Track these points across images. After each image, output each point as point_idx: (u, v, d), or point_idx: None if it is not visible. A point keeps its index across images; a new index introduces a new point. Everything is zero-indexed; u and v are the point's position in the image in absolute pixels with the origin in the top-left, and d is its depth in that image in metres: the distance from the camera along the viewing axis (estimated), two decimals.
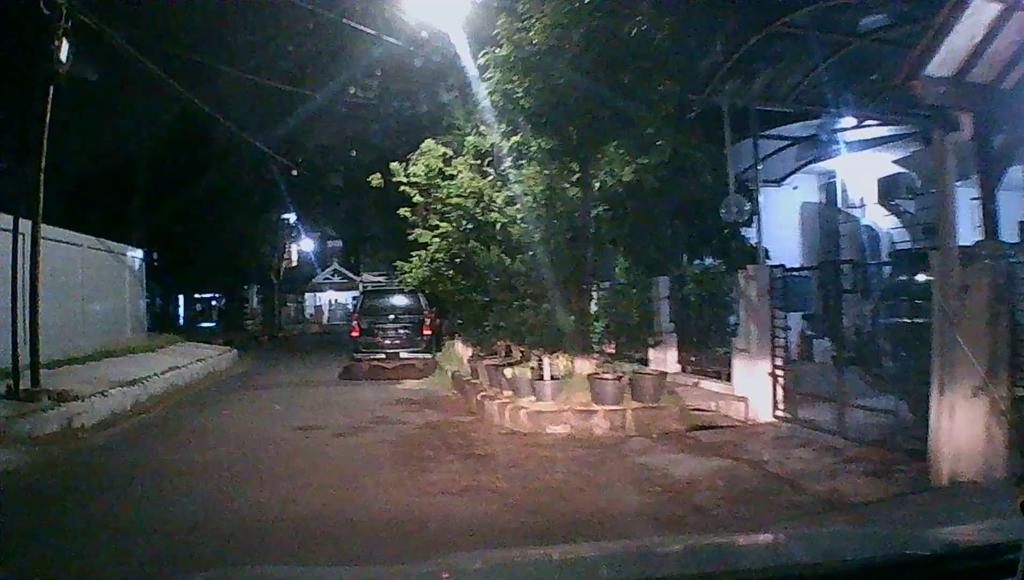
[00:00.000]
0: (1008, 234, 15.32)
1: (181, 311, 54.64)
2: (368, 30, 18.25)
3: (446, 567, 3.19)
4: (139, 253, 30.79)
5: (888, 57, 11.22)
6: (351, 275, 79.92)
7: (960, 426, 7.38)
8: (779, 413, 11.34)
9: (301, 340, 48.87)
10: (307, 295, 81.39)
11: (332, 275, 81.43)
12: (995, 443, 7.34)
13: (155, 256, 39.39)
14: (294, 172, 38.38)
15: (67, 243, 19.67)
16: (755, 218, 14.93)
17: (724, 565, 3.13)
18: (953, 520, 6.41)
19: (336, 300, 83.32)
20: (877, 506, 7.07)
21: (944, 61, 7.18)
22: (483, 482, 8.48)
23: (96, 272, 22.73)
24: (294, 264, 65.69)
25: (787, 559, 3.21)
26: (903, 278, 10.97)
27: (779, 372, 11.37)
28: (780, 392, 11.39)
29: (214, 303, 62.49)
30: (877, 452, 8.86)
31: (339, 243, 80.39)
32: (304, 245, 68.15)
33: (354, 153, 34.29)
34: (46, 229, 15.24)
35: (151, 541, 6.64)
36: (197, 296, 59.42)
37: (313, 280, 79.08)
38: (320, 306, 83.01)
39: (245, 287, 60.48)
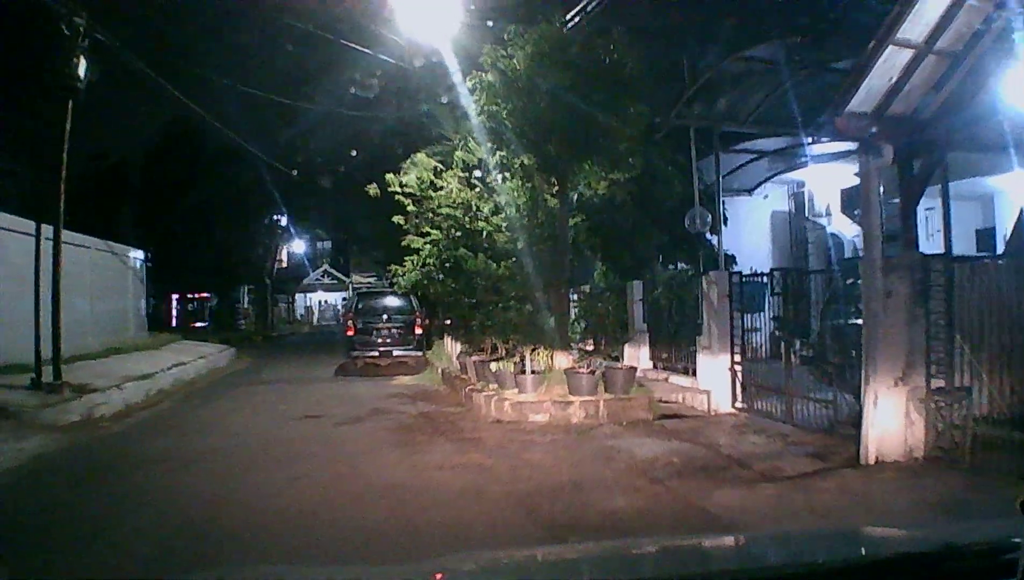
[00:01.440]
0: (966, 241, 16.57)
1: (174, 311, 54.68)
2: (363, 48, 19.30)
3: (438, 567, 3.28)
4: (140, 254, 31.59)
5: (834, 84, 12.45)
6: (341, 276, 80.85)
7: (884, 413, 8.55)
8: (738, 405, 12.53)
9: (293, 339, 49.88)
10: (298, 296, 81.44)
11: (322, 276, 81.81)
12: (914, 427, 8.53)
13: (149, 256, 40.03)
14: (295, 172, 38.64)
15: (77, 246, 20.42)
16: (721, 227, 16.05)
17: (714, 566, 3.20)
18: (867, 491, 7.65)
19: (326, 301, 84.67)
20: (805, 479, 8.23)
21: (864, 99, 8.38)
22: (472, 460, 9.64)
23: (102, 273, 23.57)
24: (285, 265, 66.37)
25: (787, 559, 3.23)
26: (848, 283, 12.16)
27: (737, 368, 12.58)
28: (739, 386, 12.59)
29: (206, 303, 62.35)
30: (820, 438, 10.04)
31: (328, 244, 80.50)
32: (295, 246, 68.71)
33: (354, 153, 34.70)
34: (66, 234, 16.18)
35: (181, 511, 7.69)
36: (189, 296, 59.57)
37: (304, 281, 79.44)
38: (310, 306, 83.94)
39: (237, 288, 60.73)
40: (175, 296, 55.01)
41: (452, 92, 15.93)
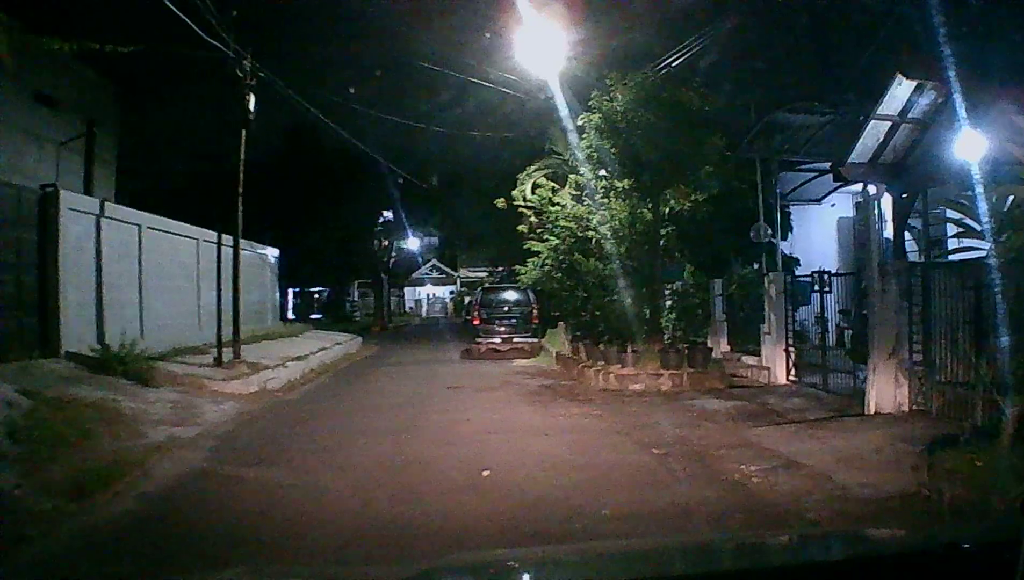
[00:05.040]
0: None
1: (291, 304, 56.37)
2: (486, 83, 22.93)
3: (439, 567, 3.37)
4: (276, 252, 34.87)
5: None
6: (449, 270, 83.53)
7: (880, 378, 11.99)
8: (791, 378, 16.05)
9: (408, 330, 52.73)
10: (406, 289, 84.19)
11: (431, 270, 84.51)
12: (901, 388, 11.94)
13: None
14: (430, 183, 40.82)
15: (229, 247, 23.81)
16: (778, 236, 19.41)
17: (715, 566, 3.19)
18: (856, 427, 11.10)
19: (434, 294, 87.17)
20: (818, 421, 11.80)
21: (860, 153, 11.98)
22: (586, 411, 13.51)
23: (249, 269, 25.87)
24: (395, 259, 67.28)
25: (787, 559, 3.27)
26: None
27: (791, 349, 16.09)
28: (791, 363, 16.10)
29: (316, 296, 64.97)
30: (843, 399, 13.43)
31: (435, 240, 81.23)
32: (406, 242, 69.44)
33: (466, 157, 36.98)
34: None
35: (387, 433, 11.57)
36: (303, 290, 61.83)
37: (412, 275, 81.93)
38: (419, 300, 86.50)
39: (351, 282, 63.61)
40: (292, 290, 56.77)
41: (560, 123, 19.31)
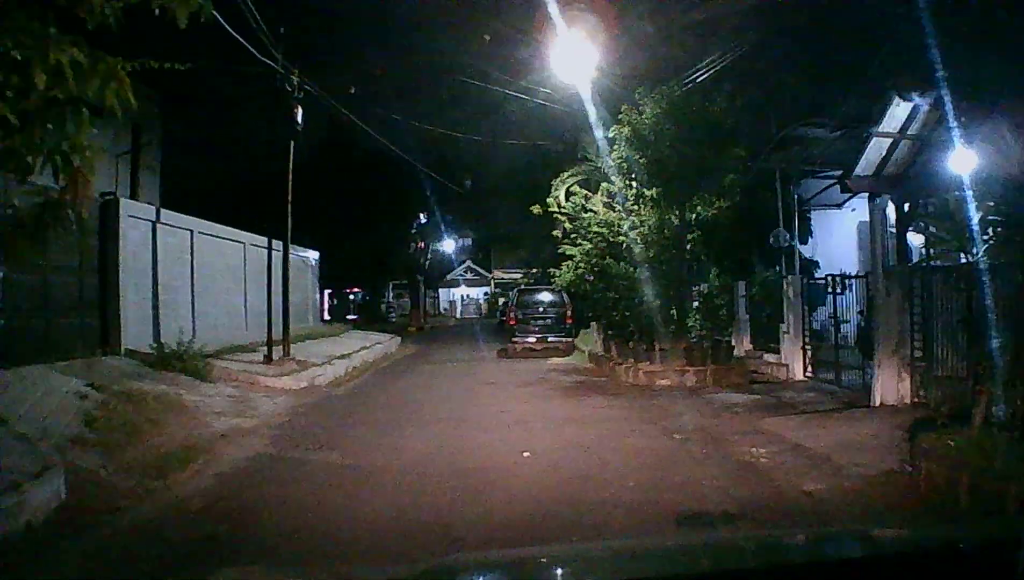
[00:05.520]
0: None
1: (326, 305, 56.51)
2: (522, 95, 24.13)
3: (439, 567, 3.46)
4: (316, 254, 36.11)
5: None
6: (483, 272, 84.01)
7: (885, 373, 13.07)
8: (808, 374, 17.14)
9: (444, 331, 53.31)
10: (440, 290, 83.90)
11: (465, 272, 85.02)
12: (904, 382, 13.00)
13: None
14: (466, 184, 41.49)
15: (278, 251, 23.88)
16: (796, 241, 20.49)
17: (715, 566, 3.17)
18: (861, 417, 12.19)
19: (468, 295, 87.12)
20: (827, 412, 12.93)
21: (865, 167, 13.12)
22: (616, 403, 14.77)
23: (293, 271, 26.08)
24: (430, 261, 67.37)
25: (786, 559, 3.25)
26: None
27: (807, 347, 17.20)
28: (808, 360, 17.20)
29: (351, 297, 66.47)
30: (854, 393, 14.48)
31: (469, 241, 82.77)
32: (441, 244, 70.11)
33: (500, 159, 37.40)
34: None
35: (418, 426, 12.64)
36: (338, 291, 62.76)
37: (447, 276, 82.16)
38: (453, 301, 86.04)
39: (386, 283, 64.39)
40: (327, 291, 56.47)
41: (591, 131, 20.27)
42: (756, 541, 4.23)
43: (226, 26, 15.94)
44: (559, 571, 3.29)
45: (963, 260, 10.63)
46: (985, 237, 9.47)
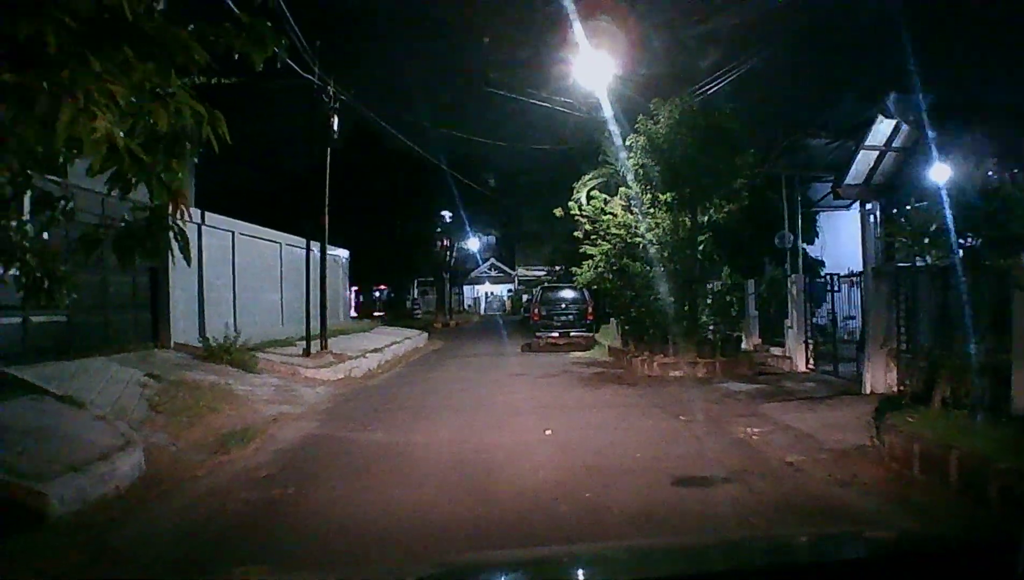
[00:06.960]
0: None
1: (353, 302, 56.27)
2: (545, 104, 25.53)
3: (439, 567, 3.55)
4: (346, 253, 37.56)
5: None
6: (507, 269, 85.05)
7: (874, 363, 14.36)
8: (809, 366, 18.43)
9: (469, 327, 54.84)
10: (465, 287, 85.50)
11: (489, 269, 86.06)
12: (891, 372, 14.22)
13: None
14: (489, 184, 42.33)
15: (314, 251, 24.25)
16: (815, 238, 21.76)
17: (715, 566, 3.18)
18: (848, 402, 13.50)
19: (492, 292, 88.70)
20: (820, 399, 14.30)
21: (854, 176, 14.51)
22: (631, 392, 16.23)
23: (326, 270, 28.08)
24: (455, 259, 68.84)
25: (785, 559, 3.26)
26: None
27: (809, 341, 18.53)
28: (810, 353, 18.52)
29: (377, 294, 67.91)
30: (849, 383, 15.73)
31: (493, 239, 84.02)
32: (466, 242, 72.04)
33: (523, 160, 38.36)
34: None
35: (451, 411, 14.14)
36: (365, 288, 63.83)
37: (471, 273, 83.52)
38: (478, 298, 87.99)
39: (412, 280, 65.68)
40: (354, 288, 56.55)
41: (610, 136, 21.82)
42: (757, 543, 4.33)
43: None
44: (575, 571, 3.31)
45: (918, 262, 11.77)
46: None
